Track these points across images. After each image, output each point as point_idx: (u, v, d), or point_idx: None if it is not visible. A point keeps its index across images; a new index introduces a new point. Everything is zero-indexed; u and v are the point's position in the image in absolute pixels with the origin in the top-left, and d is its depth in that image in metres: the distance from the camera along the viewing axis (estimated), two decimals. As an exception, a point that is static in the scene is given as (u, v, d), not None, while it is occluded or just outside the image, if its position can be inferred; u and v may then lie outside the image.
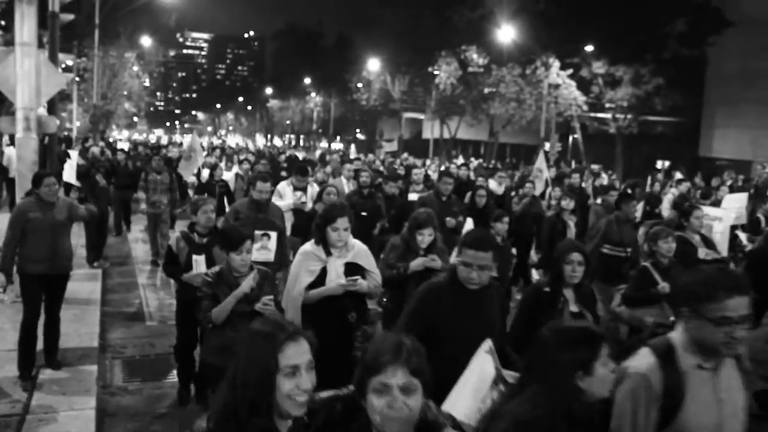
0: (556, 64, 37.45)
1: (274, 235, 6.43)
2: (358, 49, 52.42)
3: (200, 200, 6.16)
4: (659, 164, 36.16)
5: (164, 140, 56.76)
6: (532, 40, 37.40)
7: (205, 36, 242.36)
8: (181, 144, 36.35)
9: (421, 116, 55.44)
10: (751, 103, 41.29)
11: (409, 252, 5.47)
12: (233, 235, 4.61)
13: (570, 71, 37.86)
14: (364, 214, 9.03)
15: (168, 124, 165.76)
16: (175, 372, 6.53)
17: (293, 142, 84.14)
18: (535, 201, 11.27)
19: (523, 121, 40.27)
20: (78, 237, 11.95)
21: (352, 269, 4.74)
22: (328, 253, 4.71)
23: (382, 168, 20.90)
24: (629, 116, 38.61)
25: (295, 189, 9.39)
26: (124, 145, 29.61)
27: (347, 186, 10.89)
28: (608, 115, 39.56)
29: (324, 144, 69.22)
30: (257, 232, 6.22)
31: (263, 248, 6.25)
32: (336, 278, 4.67)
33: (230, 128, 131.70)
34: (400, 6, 46.05)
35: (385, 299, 5.62)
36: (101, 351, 7.16)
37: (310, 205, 9.30)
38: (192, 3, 56.62)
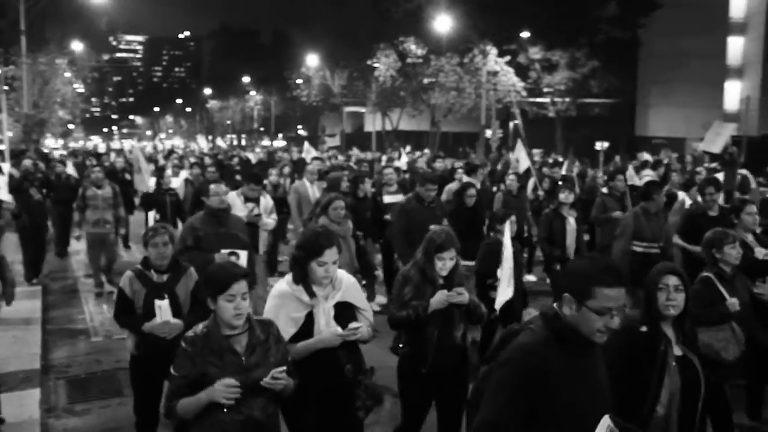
0: (493, 51, 37.84)
1: (243, 254, 5.80)
2: (295, 45, 52.07)
3: (150, 230, 4.90)
4: (598, 145, 36.91)
5: (102, 147, 55.39)
6: (469, 29, 37.69)
7: (139, 38, 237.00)
8: (121, 150, 35.38)
9: (363, 110, 55.43)
10: (682, 82, 42.59)
11: (425, 283, 4.42)
12: (218, 274, 3.29)
13: (507, 58, 38.30)
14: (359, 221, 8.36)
15: (105, 130, 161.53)
16: (124, 388, 6.35)
17: (238, 142, 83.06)
18: (521, 194, 10.88)
19: (463, 109, 40.61)
20: (15, 253, 11.57)
21: (342, 309, 3.88)
22: (313, 294, 3.81)
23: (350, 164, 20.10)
24: (567, 100, 39.37)
25: (247, 200, 8.36)
26: (61, 154, 28.67)
27: (312, 190, 10.02)
28: (547, 100, 40.27)
29: (266, 142, 68.54)
30: (223, 252, 5.69)
31: None
32: (326, 325, 3.81)
33: (170, 131, 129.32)
34: (335, 0, 45.86)
35: (401, 345, 4.55)
36: (44, 372, 6.92)
37: (267, 220, 8.47)
38: (123, 5, 55.28)
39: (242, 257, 5.77)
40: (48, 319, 8.94)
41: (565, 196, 8.41)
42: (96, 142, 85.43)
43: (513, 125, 43.78)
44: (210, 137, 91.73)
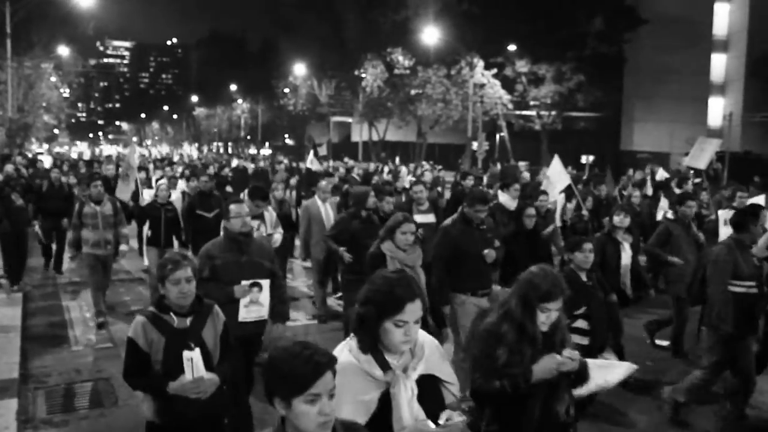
0: (480, 64, 38.07)
1: (266, 284, 5.15)
2: (283, 54, 52.12)
3: (169, 263, 3.76)
4: (584, 159, 37.18)
5: (87, 153, 54.99)
6: (457, 41, 37.90)
7: (127, 44, 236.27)
8: (109, 157, 34.77)
9: (350, 120, 55.53)
10: (667, 98, 43.05)
11: (522, 342, 3.32)
12: (293, 365, 2.13)
13: (494, 71, 38.56)
14: (369, 242, 7.13)
15: (91, 135, 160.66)
16: (104, 398, 6.28)
17: (224, 150, 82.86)
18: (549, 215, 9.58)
19: (450, 121, 40.82)
20: (-5, 260, 11.45)
21: (424, 385, 2.78)
22: (387, 367, 2.70)
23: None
24: (553, 113, 39.64)
25: (252, 217, 7.32)
26: (46, 160, 28.20)
27: (324, 209, 9.20)
28: (533, 113, 40.53)
29: (252, 150, 68.40)
30: (244, 284, 5.04)
31: (254, 304, 5.02)
32: (410, 411, 2.69)
33: (156, 138, 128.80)
34: (323, 10, 45.99)
35: (485, 423, 3.42)
36: (22, 382, 6.80)
37: (275, 236, 7.85)
38: (111, 10, 55.23)
39: (265, 288, 5.15)
40: (28, 327, 8.81)
41: (620, 220, 7.28)
42: (81, 148, 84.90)
43: (499, 137, 44.01)
44: (196, 144, 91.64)
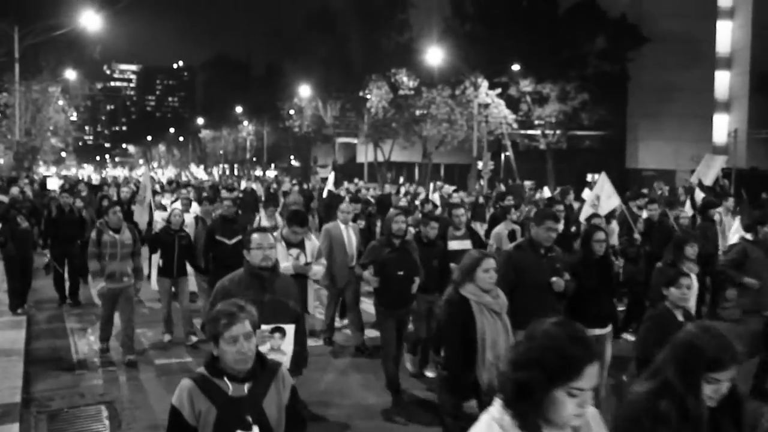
0: (484, 84, 38.17)
1: (290, 329, 4.43)
2: (288, 76, 52.36)
3: (223, 316, 3.06)
4: (589, 177, 37.15)
5: (95, 177, 55.22)
6: (461, 61, 38.04)
7: (133, 68, 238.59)
8: (121, 179, 34.42)
9: (355, 141, 55.63)
10: (671, 116, 43.04)
11: (685, 423, 2.63)
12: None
13: (498, 90, 38.64)
14: (400, 273, 6.97)
15: (98, 158, 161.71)
16: (107, 422, 6.22)
17: (230, 172, 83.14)
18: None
19: (455, 141, 40.84)
20: (0, 282, 11.45)
21: None
22: None
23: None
24: (558, 132, 39.64)
25: (289, 245, 6.79)
26: (53, 182, 28.04)
27: (347, 233, 8.86)
28: (538, 132, 40.55)
29: (258, 172, 68.61)
30: (264, 328, 4.20)
31: (274, 352, 4.33)
32: None
33: (162, 160, 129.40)
34: (326, 32, 46.29)
35: None
36: (24, 406, 6.75)
37: (317, 267, 6.84)
38: (118, 35, 55.73)
39: (289, 334, 4.43)
40: (31, 350, 8.77)
41: (693, 251, 6.58)
42: (88, 170, 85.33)
43: (504, 157, 44.00)
44: (202, 166, 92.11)
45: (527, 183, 33.47)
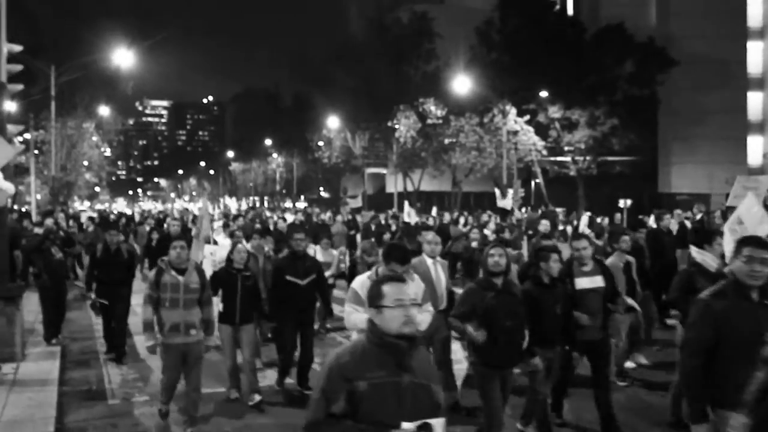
0: (512, 111, 38.14)
1: (439, 425, 2.86)
2: (316, 108, 52.90)
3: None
4: (621, 203, 36.66)
5: (128, 211, 56.02)
6: (488, 89, 38.10)
7: (164, 103, 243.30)
8: (162, 213, 32.56)
9: (384, 171, 55.80)
10: (704, 138, 42.57)
11: None
12: None
13: (527, 117, 38.58)
14: (509, 324, 5.55)
15: (130, 192, 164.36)
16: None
17: (260, 203, 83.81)
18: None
19: (484, 169, 40.76)
20: (36, 313, 11.53)
21: None
22: None
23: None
24: (588, 158, 39.36)
25: None
26: (86, 217, 28.19)
27: (435, 269, 7.23)
28: (567, 158, 40.28)
29: (288, 204, 69.02)
30: (407, 427, 2.79)
31: None
32: None
33: (193, 193, 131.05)
34: (354, 64, 46.72)
35: None
36: (58, 436, 6.74)
37: (423, 319, 5.22)
38: (149, 71, 56.82)
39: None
40: (65, 380, 8.77)
41: None
42: (120, 205, 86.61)
43: (534, 184, 43.73)
44: (234, 198, 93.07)
45: (558, 210, 33.13)
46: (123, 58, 30.35)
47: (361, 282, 5.27)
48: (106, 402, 8.05)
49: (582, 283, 6.45)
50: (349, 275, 8.39)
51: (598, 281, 6.54)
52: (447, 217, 23.46)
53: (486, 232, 13.97)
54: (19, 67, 10.77)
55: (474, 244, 11.87)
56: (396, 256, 5.40)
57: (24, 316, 10.11)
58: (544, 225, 12.29)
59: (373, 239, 11.05)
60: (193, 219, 21.41)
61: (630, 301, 7.73)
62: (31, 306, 11.53)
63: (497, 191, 17.33)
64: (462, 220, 20.66)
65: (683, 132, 43.71)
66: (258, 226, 16.52)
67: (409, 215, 17.69)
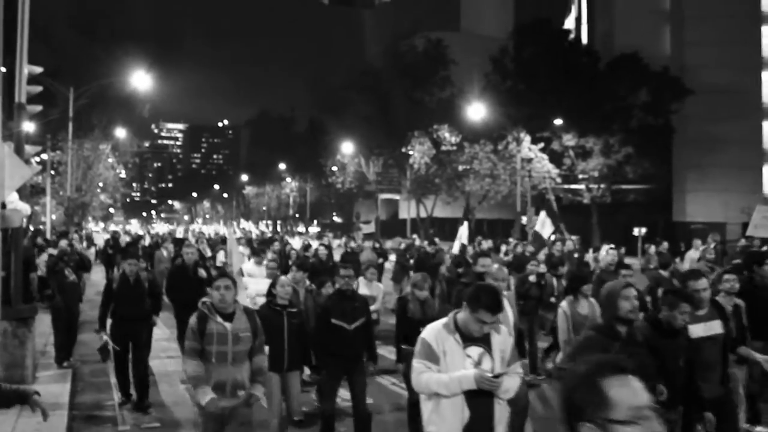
0: (527, 138, 38.12)
1: None
2: (330, 133, 53.16)
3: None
4: (636, 231, 36.42)
5: (141, 231, 56.22)
6: (502, 116, 38.15)
7: (180, 126, 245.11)
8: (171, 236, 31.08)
9: (397, 197, 55.84)
10: (719, 167, 42.33)
11: None
12: None
13: (541, 145, 38.53)
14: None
15: (144, 214, 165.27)
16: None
17: (273, 228, 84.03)
18: None
19: (498, 196, 40.68)
20: (47, 335, 11.49)
21: None
22: None
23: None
24: (602, 186, 39.20)
25: (466, 340, 4.22)
26: (100, 238, 28.11)
27: (509, 311, 6.17)
28: (581, 186, 40.11)
29: (301, 228, 69.13)
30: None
31: None
32: None
33: (207, 216, 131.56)
34: (368, 91, 46.96)
35: None
36: (67, 461, 6.65)
37: (510, 387, 4.02)
38: (166, 94, 57.43)
39: None
40: (76, 404, 8.70)
41: None
42: (135, 226, 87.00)
43: (547, 211, 43.51)
44: (250, 221, 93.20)
45: (573, 237, 32.93)
46: (140, 80, 30.73)
47: (436, 332, 4.06)
48: (116, 427, 7.96)
49: (697, 330, 5.18)
50: (400, 312, 7.08)
51: (716, 327, 5.38)
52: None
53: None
54: (38, 89, 10.86)
55: (531, 278, 9.96)
56: (486, 302, 3.96)
57: (36, 338, 10.05)
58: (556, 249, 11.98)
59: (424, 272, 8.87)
60: (208, 242, 20.40)
61: (746, 350, 6.17)
62: (42, 328, 11.49)
63: (543, 214, 15.29)
64: (485, 245, 19.06)
65: (698, 160, 43.49)
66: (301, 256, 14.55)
67: (462, 238, 14.71)
